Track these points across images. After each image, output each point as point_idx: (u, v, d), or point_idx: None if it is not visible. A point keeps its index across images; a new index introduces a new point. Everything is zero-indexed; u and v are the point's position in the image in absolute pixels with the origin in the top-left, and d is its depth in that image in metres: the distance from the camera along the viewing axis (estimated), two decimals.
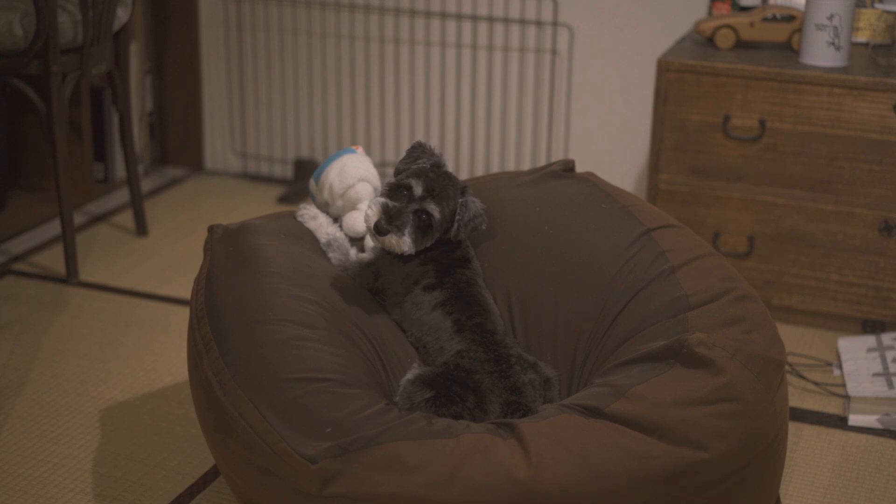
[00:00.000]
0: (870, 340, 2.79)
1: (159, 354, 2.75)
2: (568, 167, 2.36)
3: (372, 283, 2.15)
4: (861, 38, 3.07)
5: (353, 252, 2.20)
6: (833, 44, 2.82)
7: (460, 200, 2.04)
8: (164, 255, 3.35)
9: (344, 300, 2.09)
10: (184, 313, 2.93)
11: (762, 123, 2.87)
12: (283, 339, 1.92)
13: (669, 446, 1.77)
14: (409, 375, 1.97)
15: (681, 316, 1.97)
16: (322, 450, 1.74)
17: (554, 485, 1.71)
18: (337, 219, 2.32)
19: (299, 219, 2.27)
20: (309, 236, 2.25)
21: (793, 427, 2.49)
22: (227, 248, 2.16)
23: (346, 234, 2.27)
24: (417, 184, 2.01)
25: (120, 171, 3.73)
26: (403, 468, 1.71)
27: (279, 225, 2.25)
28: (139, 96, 3.83)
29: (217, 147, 4.06)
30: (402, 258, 2.09)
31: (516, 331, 2.18)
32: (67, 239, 3.12)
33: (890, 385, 2.56)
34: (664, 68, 2.93)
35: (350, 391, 1.85)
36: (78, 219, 3.56)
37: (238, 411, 1.85)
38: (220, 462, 1.98)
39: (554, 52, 3.55)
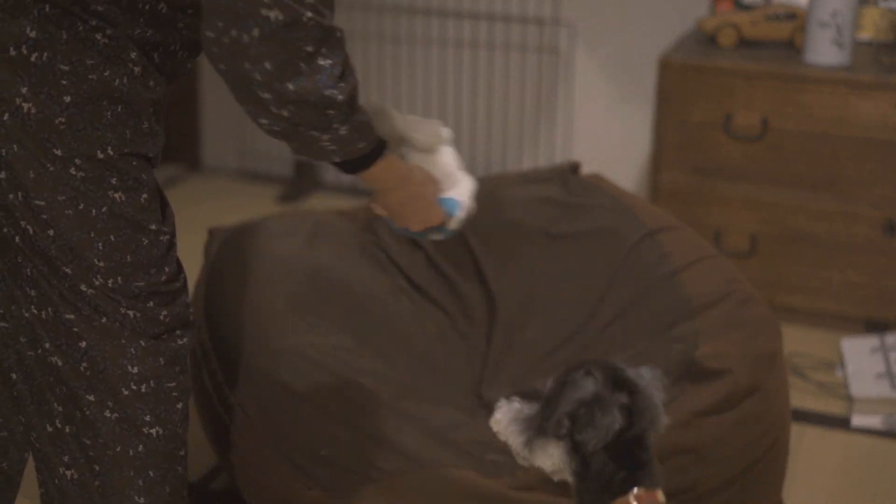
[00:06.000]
0: (873, 341, 2.78)
1: None
2: (574, 169, 2.36)
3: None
4: (864, 36, 3.05)
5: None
6: (836, 42, 2.81)
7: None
8: None
9: (348, 305, 2.07)
10: None
11: (764, 122, 2.86)
12: (283, 348, 1.91)
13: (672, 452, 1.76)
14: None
15: (687, 323, 1.96)
16: (317, 476, 1.74)
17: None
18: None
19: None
20: (309, 237, 2.23)
21: (795, 428, 2.48)
22: (227, 253, 2.14)
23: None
24: None
25: None
26: (400, 500, 1.70)
27: (280, 226, 2.24)
28: None
29: (216, 144, 4.04)
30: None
31: (519, 331, 2.17)
32: None
33: (893, 386, 2.55)
34: (666, 67, 2.91)
35: (349, 414, 1.83)
36: None
37: (235, 428, 1.84)
38: (224, 466, 1.97)
39: (555, 50, 3.54)
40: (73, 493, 1.56)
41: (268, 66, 1.35)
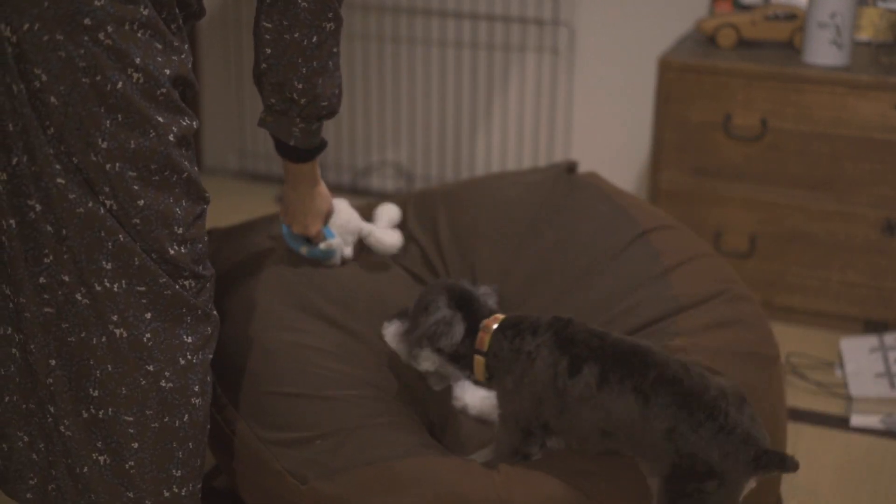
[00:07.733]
0: (872, 341, 2.78)
1: None
2: (571, 168, 2.36)
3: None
4: (863, 36, 3.06)
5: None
6: (835, 42, 2.81)
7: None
8: None
9: (346, 308, 2.07)
10: None
11: (764, 123, 2.86)
12: (277, 348, 1.90)
13: None
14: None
15: (669, 320, 1.96)
16: (313, 470, 1.73)
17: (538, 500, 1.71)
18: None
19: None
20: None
21: (794, 428, 2.48)
22: (226, 253, 2.14)
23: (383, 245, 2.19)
24: None
25: None
26: (397, 487, 1.70)
27: (280, 226, 2.24)
28: None
29: (216, 144, 4.05)
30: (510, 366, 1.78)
31: None
32: None
33: (892, 385, 2.55)
34: (665, 67, 2.92)
35: (343, 405, 1.83)
36: None
37: (231, 429, 1.84)
38: (221, 465, 1.97)
39: (555, 50, 3.54)
40: (104, 478, 1.60)
41: (315, 64, 1.68)
